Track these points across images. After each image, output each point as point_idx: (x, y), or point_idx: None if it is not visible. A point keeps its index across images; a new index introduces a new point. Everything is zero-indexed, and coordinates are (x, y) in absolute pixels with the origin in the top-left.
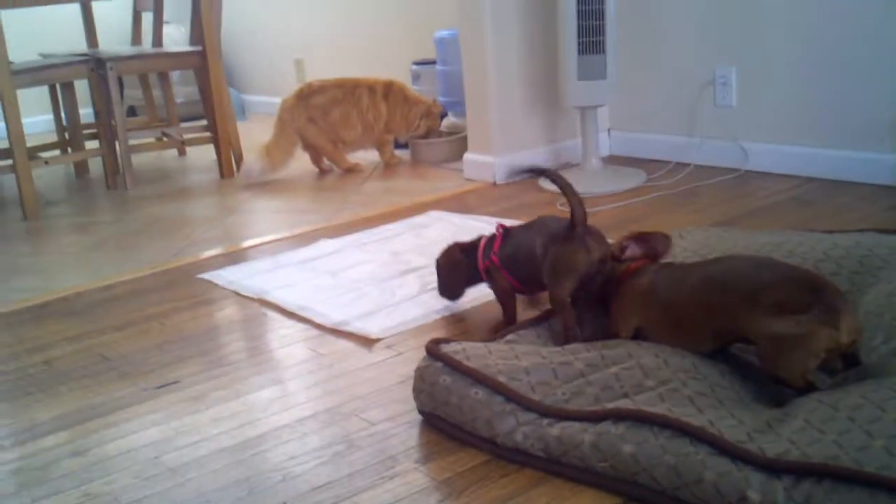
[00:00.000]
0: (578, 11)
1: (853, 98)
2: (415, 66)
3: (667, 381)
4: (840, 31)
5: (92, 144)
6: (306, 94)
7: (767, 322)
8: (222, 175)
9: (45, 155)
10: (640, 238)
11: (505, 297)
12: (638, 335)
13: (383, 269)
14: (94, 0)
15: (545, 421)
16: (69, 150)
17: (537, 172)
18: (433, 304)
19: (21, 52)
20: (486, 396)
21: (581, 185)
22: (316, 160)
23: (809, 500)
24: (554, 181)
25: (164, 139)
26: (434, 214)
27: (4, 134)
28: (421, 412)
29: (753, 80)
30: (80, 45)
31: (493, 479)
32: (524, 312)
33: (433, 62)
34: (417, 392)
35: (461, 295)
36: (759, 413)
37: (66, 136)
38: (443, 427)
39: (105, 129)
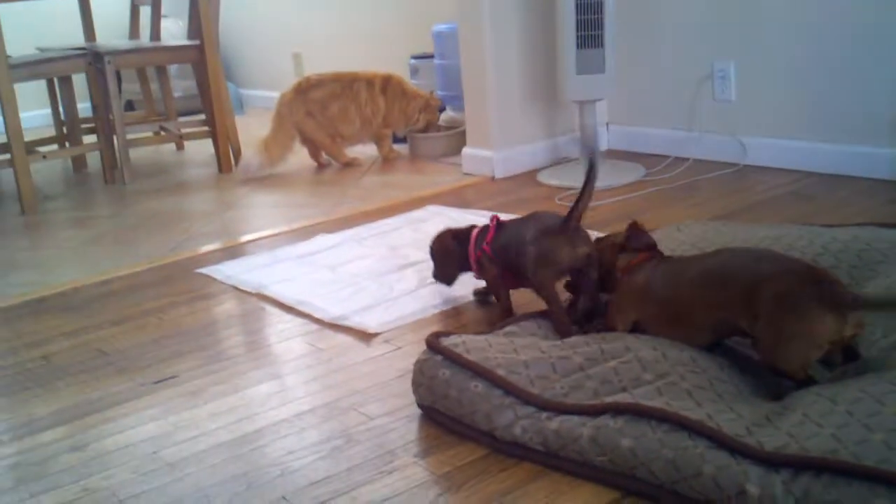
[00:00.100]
0: (577, 5)
1: (852, 92)
2: (413, 60)
3: (665, 375)
4: (839, 26)
5: (90, 139)
6: (304, 89)
7: (768, 313)
8: (220, 169)
9: (42, 149)
10: (639, 230)
11: (497, 288)
12: (636, 330)
13: (381, 264)
14: None
15: (544, 415)
16: (67, 144)
17: (590, 154)
18: (431, 299)
19: (18, 46)
20: (486, 390)
21: (580, 179)
22: (314, 154)
23: (808, 494)
24: (588, 171)
25: (162, 133)
26: (432, 209)
27: (2, 128)
28: (420, 406)
29: (752, 74)
30: (78, 39)
31: (492, 474)
32: (524, 306)
33: (431, 56)
34: (416, 385)
35: (455, 280)
36: (758, 407)
37: (64, 130)
38: (441, 421)
39: (103, 124)
